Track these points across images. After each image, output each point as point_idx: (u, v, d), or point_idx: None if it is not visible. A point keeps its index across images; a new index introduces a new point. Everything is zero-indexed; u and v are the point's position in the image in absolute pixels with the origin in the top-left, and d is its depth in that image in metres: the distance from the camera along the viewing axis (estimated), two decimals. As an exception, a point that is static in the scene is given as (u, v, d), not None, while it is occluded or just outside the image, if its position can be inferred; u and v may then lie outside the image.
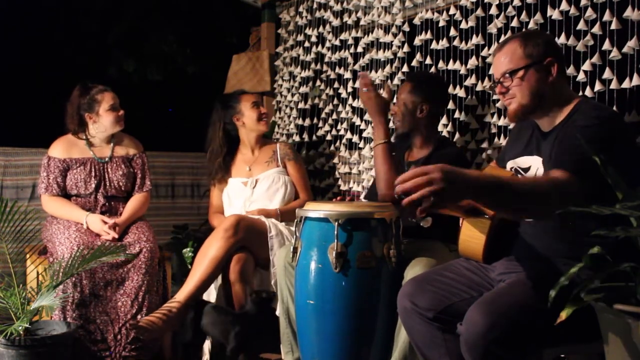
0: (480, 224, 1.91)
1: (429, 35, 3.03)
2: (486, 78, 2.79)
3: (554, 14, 2.49)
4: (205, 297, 2.90)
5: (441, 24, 2.97)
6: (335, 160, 3.70)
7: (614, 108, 2.32)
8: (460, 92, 2.88)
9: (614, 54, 2.31)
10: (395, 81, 3.20)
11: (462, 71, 2.87)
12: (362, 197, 3.32)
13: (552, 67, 1.85)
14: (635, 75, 2.25)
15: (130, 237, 2.91)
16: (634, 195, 1.51)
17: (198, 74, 6.89)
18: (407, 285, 2.03)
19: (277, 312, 2.63)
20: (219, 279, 2.86)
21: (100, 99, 3.03)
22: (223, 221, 2.85)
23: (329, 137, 3.71)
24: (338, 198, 2.57)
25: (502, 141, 2.68)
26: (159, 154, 4.07)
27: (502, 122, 2.70)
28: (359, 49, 3.45)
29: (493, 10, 2.72)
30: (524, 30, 2.54)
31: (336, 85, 3.66)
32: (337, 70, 3.64)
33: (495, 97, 2.75)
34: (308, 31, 3.83)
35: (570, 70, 2.40)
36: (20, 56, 6.62)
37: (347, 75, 3.55)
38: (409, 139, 2.72)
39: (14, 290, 2.50)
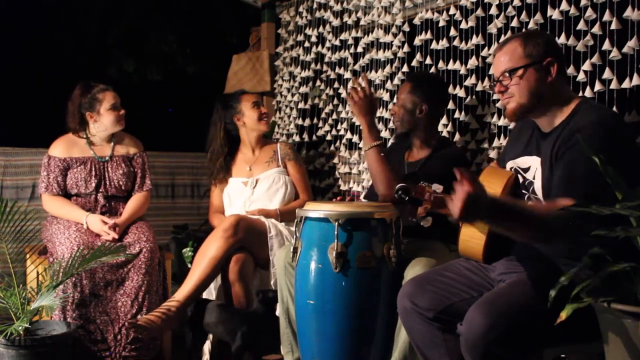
0: (480, 224, 1.91)
1: (429, 35, 3.03)
2: (486, 78, 2.79)
3: (554, 14, 2.49)
4: (205, 295, 2.91)
5: (441, 24, 2.97)
6: (335, 160, 3.70)
7: (614, 108, 2.32)
8: (460, 92, 2.88)
9: (614, 54, 2.31)
10: (395, 81, 3.20)
11: (462, 71, 2.87)
12: (362, 197, 3.32)
13: (551, 67, 1.84)
14: (635, 75, 2.25)
15: (130, 237, 2.91)
16: (634, 195, 1.51)
17: (198, 74, 6.89)
18: (407, 285, 2.03)
19: (277, 312, 2.63)
20: (219, 279, 2.86)
21: (102, 98, 3.04)
22: (222, 221, 2.85)
23: (329, 137, 3.71)
24: (338, 198, 2.57)
25: (502, 141, 2.68)
26: (159, 154, 4.07)
27: (502, 122, 2.70)
28: (359, 49, 3.45)
29: (493, 10, 2.72)
30: (524, 30, 2.55)
31: (336, 85, 3.66)
32: (337, 70, 3.64)
33: (495, 97, 2.75)
34: (308, 31, 3.83)
35: (570, 70, 2.40)
36: (20, 56, 6.62)
37: (347, 75, 3.55)
38: (408, 139, 2.72)
39: (14, 290, 2.50)
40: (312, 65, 3.83)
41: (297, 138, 3.93)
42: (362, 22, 3.44)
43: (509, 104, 1.89)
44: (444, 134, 2.93)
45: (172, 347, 3.05)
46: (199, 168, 4.18)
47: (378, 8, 3.30)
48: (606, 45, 2.33)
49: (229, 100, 3.26)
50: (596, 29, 2.36)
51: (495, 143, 2.72)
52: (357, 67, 3.48)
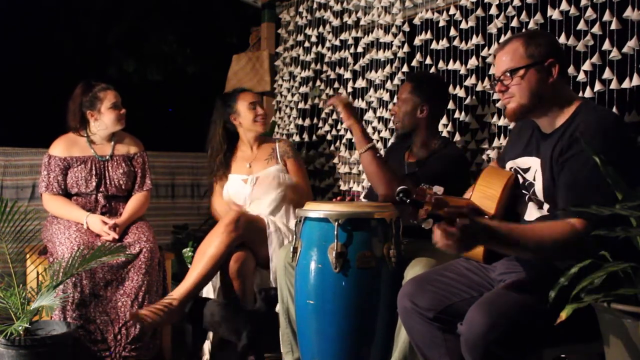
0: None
1: (429, 35, 3.03)
2: (486, 78, 2.79)
3: (554, 14, 2.49)
4: (205, 295, 2.91)
5: (441, 24, 2.97)
6: (335, 160, 3.70)
7: (614, 108, 2.32)
8: (460, 92, 2.88)
9: (614, 54, 2.31)
10: (395, 81, 3.20)
11: (462, 71, 2.87)
12: (362, 197, 3.32)
13: (553, 68, 1.84)
14: (635, 75, 2.25)
15: (130, 237, 2.91)
16: (634, 195, 1.51)
17: (198, 74, 6.89)
18: (407, 285, 2.03)
19: (277, 309, 2.63)
20: (219, 279, 2.86)
21: (103, 96, 3.04)
22: (224, 217, 2.85)
23: (329, 137, 3.71)
24: (338, 198, 2.57)
25: (502, 141, 2.68)
26: (159, 154, 4.07)
27: (502, 122, 2.70)
28: (359, 49, 3.45)
29: (493, 10, 2.72)
30: (524, 30, 2.54)
31: (336, 85, 3.66)
32: (337, 70, 3.64)
33: (495, 97, 2.75)
34: (308, 31, 3.83)
35: (570, 70, 2.40)
36: (20, 56, 6.61)
37: (347, 75, 3.55)
38: (409, 139, 2.72)
39: (14, 290, 2.50)
40: (312, 65, 3.83)
41: (297, 138, 3.93)
42: (362, 22, 3.44)
43: (509, 104, 1.89)
44: (444, 134, 2.93)
45: (172, 347, 3.05)
46: (199, 168, 4.18)
47: (378, 8, 3.30)
48: (606, 45, 2.33)
49: (227, 99, 3.25)
50: (596, 29, 2.36)
51: (495, 143, 2.72)
52: (357, 67, 3.48)
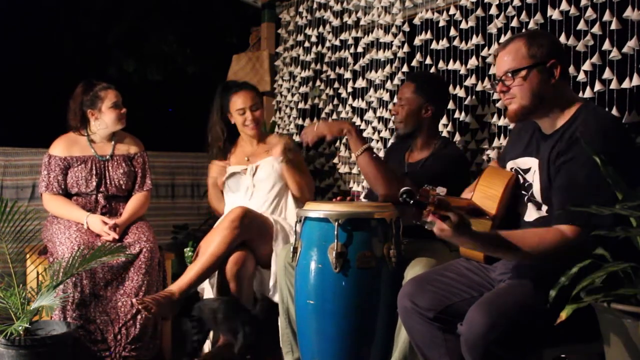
0: (481, 224, 1.90)
1: (429, 35, 3.03)
2: (486, 78, 2.79)
3: (554, 14, 2.49)
4: (206, 295, 2.91)
5: (441, 24, 2.97)
6: (335, 160, 3.70)
7: (614, 108, 2.32)
8: (460, 92, 2.88)
9: (614, 54, 2.31)
10: (395, 81, 3.20)
11: (462, 71, 2.87)
12: (362, 197, 3.32)
13: (555, 69, 1.83)
14: (635, 75, 2.25)
15: (130, 237, 2.91)
16: (634, 195, 1.51)
17: (198, 74, 6.88)
18: (407, 285, 2.03)
19: (279, 321, 2.63)
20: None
21: (104, 96, 3.04)
22: (229, 212, 2.85)
23: (328, 137, 3.70)
24: (338, 198, 2.56)
25: (502, 141, 2.68)
26: (159, 154, 4.07)
27: (502, 122, 2.70)
28: (359, 49, 3.45)
29: (493, 10, 2.72)
30: (524, 30, 2.54)
31: (336, 85, 3.66)
32: (337, 70, 3.64)
33: (495, 97, 2.75)
34: (308, 31, 3.83)
35: (570, 70, 2.40)
36: (20, 56, 6.61)
37: (347, 75, 3.55)
38: (409, 139, 2.71)
39: (14, 290, 2.50)
40: (312, 65, 3.83)
41: (297, 138, 3.93)
42: (362, 22, 3.44)
43: (510, 105, 1.88)
44: (444, 134, 2.93)
45: (172, 347, 3.05)
46: (199, 168, 4.18)
47: (378, 8, 3.30)
48: (606, 45, 2.33)
49: (225, 92, 3.21)
50: (596, 29, 2.36)
51: (495, 143, 2.72)
52: (357, 67, 3.48)
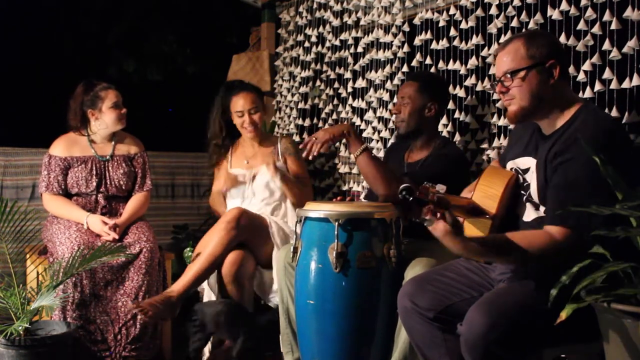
0: (481, 224, 1.90)
1: (429, 35, 3.03)
2: (486, 78, 2.79)
3: (554, 14, 2.49)
4: (206, 296, 2.90)
5: (441, 24, 2.97)
6: (335, 160, 3.70)
7: (614, 108, 2.32)
8: (460, 92, 2.88)
9: (614, 54, 2.31)
10: (395, 81, 3.20)
11: (462, 71, 2.87)
12: (362, 197, 3.31)
13: (554, 69, 1.81)
14: (635, 75, 2.25)
15: (130, 237, 2.91)
16: (634, 195, 1.51)
17: (198, 74, 6.88)
18: (407, 285, 2.03)
19: (280, 322, 2.62)
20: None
21: (104, 96, 3.04)
22: (226, 213, 2.85)
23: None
24: (338, 198, 2.56)
25: (502, 141, 2.68)
26: (159, 154, 4.07)
27: (502, 122, 2.70)
28: (359, 49, 3.45)
29: (493, 10, 2.72)
30: (524, 30, 2.54)
31: (336, 85, 3.67)
32: (337, 70, 3.64)
33: (495, 97, 2.75)
34: (308, 31, 3.83)
35: (570, 70, 2.40)
36: (20, 56, 6.61)
37: (347, 75, 3.55)
38: (409, 139, 2.71)
39: (14, 290, 2.50)
40: (312, 65, 3.83)
41: (297, 138, 3.93)
42: (362, 22, 3.44)
43: (510, 107, 1.88)
44: (444, 134, 2.93)
45: (172, 347, 3.05)
46: (199, 168, 4.18)
47: (378, 8, 3.30)
48: (606, 45, 2.33)
49: (227, 92, 3.20)
50: (596, 29, 2.36)
51: (495, 143, 2.72)
52: (357, 67, 3.48)
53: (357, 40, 3.49)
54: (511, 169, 1.99)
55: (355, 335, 2.28)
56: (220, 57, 5.30)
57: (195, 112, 4.15)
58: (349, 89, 3.54)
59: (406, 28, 3.17)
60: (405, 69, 3.13)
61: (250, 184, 3.10)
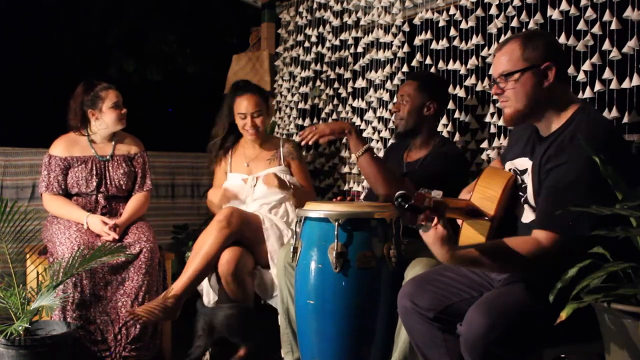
0: (479, 225, 1.90)
1: (429, 35, 3.03)
2: (486, 78, 2.79)
3: (554, 14, 2.49)
4: (205, 296, 2.90)
5: (441, 24, 2.97)
6: (336, 160, 3.70)
7: (614, 108, 2.32)
8: (460, 92, 2.88)
9: (614, 54, 2.31)
10: (395, 81, 3.20)
11: (462, 71, 2.87)
12: (362, 197, 3.31)
13: (549, 71, 1.79)
14: (635, 75, 2.25)
15: (130, 238, 2.91)
16: (634, 195, 1.51)
17: (198, 74, 6.88)
18: (407, 285, 2.03)
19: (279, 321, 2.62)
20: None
21: (104, 96, 3.04)
22: (218, 213, 2.85)
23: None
24: (338, 198, 2.56)
25: (502, 141, 2.68)
26: (159, 154, 4.06)
27: (502, 122, 2.70)
28: (359, 49, 3.45)
29: (493, 10, 2.72)
30: (524, 30, 2.54)
31: (336, 85, 3.67)
32: (337, 70, 3.64)
33: (494, 97, 2.74)
34: (308, 31, 3.83)
35: (570, 70, 2.40)
36: (20, 56, 6.61)
37: (347, 75, 3.55)
38: (408, 138, 2.71)
39: (14, 290, 2.50)
40: (312, 65, 3.83)
41: (297, 138, 3.92)
42: (362, 22, 3.44)
43: (505, 109, 1.87)
44: (444, 134, 2.93)
45: (172, 347, 3.05)
46: (199, 168, 4.18)
47: (378, 8, 3.30)
48: (606, 45, 2.33)
49: (233, 93, 3.20)
50: (596, 29, 2.36)
51: (495, 143, 2.72)
52: (357, 67, 3.48)
53: (357, 40, 3.49)
54: (510, 169, 1.99)
55: (355, 335, 2.28)
56: (220, 57, 5.30)
57: (195, 112, 4.16)
58: (349, 89, 3.54)
59: (406, 28, 3.17)
60: (405, 69, 3.13)
61: (251, 190, 3.08)
